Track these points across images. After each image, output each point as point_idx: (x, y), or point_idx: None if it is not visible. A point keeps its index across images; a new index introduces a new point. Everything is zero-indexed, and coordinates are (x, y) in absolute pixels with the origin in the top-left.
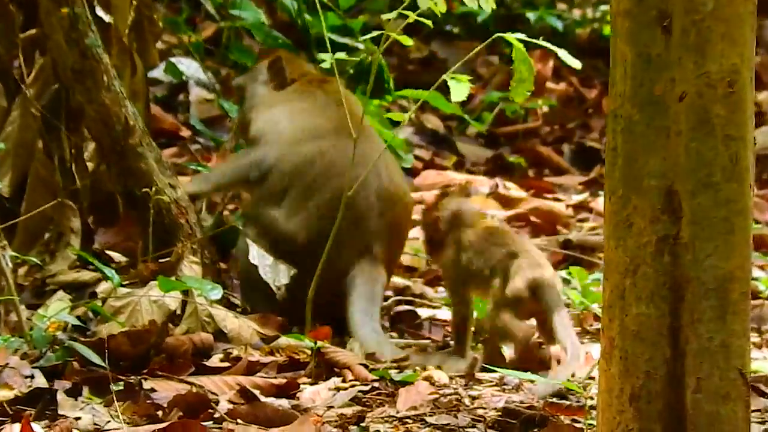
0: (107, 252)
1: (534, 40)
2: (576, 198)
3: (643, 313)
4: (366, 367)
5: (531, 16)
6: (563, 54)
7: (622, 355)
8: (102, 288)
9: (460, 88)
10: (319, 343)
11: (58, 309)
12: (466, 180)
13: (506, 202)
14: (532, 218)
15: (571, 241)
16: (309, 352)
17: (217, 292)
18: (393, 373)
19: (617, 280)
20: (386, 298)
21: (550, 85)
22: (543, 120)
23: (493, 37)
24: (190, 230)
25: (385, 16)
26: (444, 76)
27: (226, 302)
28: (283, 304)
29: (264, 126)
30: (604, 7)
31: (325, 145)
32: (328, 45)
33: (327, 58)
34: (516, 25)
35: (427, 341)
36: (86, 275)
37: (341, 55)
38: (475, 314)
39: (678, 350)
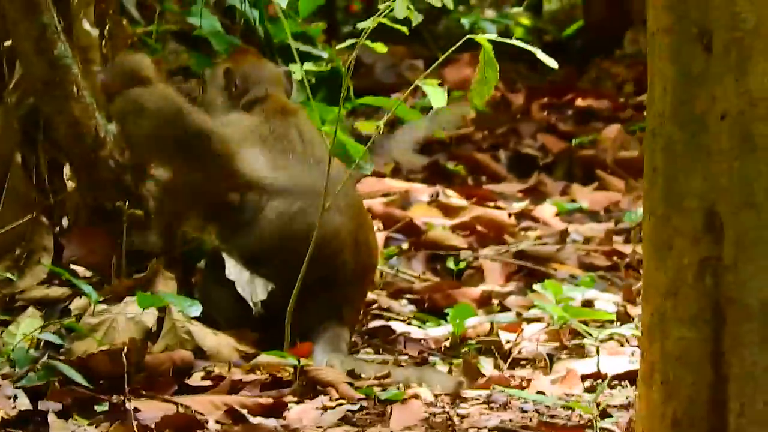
0: (73, 267)
1: (509, 40)
2: (517, 206)
3: (685, 337)
4: (351, 385)
5: (465, 21)
6: (540, 54)
7: (664, 380)
8: (75, 304)
9: (438, 94)
10: (302, 361)
11: (30, 326)
12: (406, 188)
13: (448, 210)
14: (478, 227)
15: (524, 251)
16: (291, 369)
17: (197, 308)
18: (378, 390)
19: (658, 302)
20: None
21: None
22: (472, 125)
23: (465, 38)
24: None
25: (361, 24)
26: (417, 82)
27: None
28: (257, 320)
29: (242, 167)
30: (506, 10)
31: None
32: (296, 56)
33: (297, 70)
34: (437, 29)
35: (404, 357)
36: (57, 291)
37: (310, 65)
38: (450, 327)
39: (721, 374)
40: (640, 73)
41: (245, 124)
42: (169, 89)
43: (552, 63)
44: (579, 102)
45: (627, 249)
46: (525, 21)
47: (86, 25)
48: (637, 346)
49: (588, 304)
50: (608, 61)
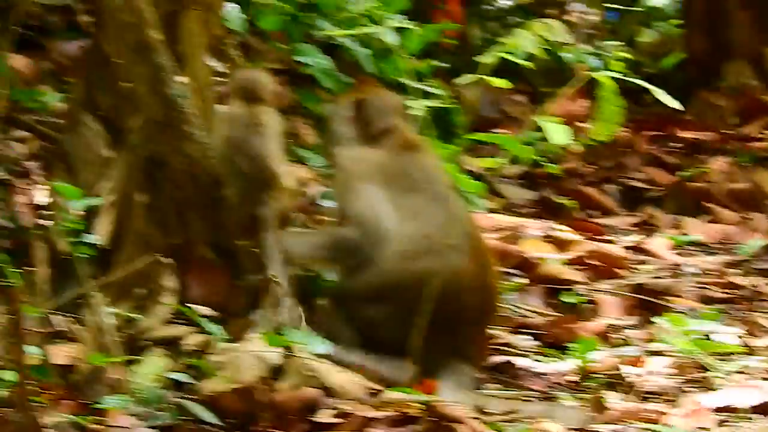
0: (191, 305)
1: (631, 79)
2: (628, 239)
3: None
4: (480, 421)
5: (566, 54)
6: (663, 95)
7: None
8: (195, 342)
9: (558, 130)
10: (430, 397)
11: (156, 365)
12: (517, 224)
13: (560, 244)
14: (591, 261)
15: (640, 284)
16: (418, 406)
17: (325, 347)
18: (506, 426)
19: None
20: None
21: (580, 124)
22: (579, 159)
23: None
24: (282, 280)
25: (479, 58)
26: (534, 118)
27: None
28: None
29: (363, 210)
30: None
31: (439, 263)
32: (409, 91)
33: (417, 106)
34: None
35: (529, 392)
36: (178, 330)
37: (427, 102)
38: (573, 361)
39: None
40: (743, 104)
41: (371, 159)
42: (268, 112)
43: (674, 103)
44: (683, 134)
45: (743, 281)
46: (623, 54)
47: (202, 64)
48: (765, 379)
49: (708, 336)
50: (710, 93)
